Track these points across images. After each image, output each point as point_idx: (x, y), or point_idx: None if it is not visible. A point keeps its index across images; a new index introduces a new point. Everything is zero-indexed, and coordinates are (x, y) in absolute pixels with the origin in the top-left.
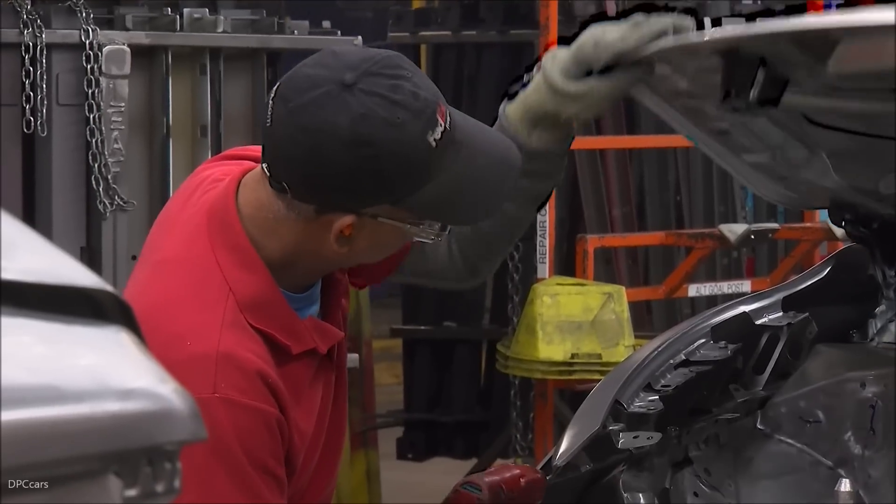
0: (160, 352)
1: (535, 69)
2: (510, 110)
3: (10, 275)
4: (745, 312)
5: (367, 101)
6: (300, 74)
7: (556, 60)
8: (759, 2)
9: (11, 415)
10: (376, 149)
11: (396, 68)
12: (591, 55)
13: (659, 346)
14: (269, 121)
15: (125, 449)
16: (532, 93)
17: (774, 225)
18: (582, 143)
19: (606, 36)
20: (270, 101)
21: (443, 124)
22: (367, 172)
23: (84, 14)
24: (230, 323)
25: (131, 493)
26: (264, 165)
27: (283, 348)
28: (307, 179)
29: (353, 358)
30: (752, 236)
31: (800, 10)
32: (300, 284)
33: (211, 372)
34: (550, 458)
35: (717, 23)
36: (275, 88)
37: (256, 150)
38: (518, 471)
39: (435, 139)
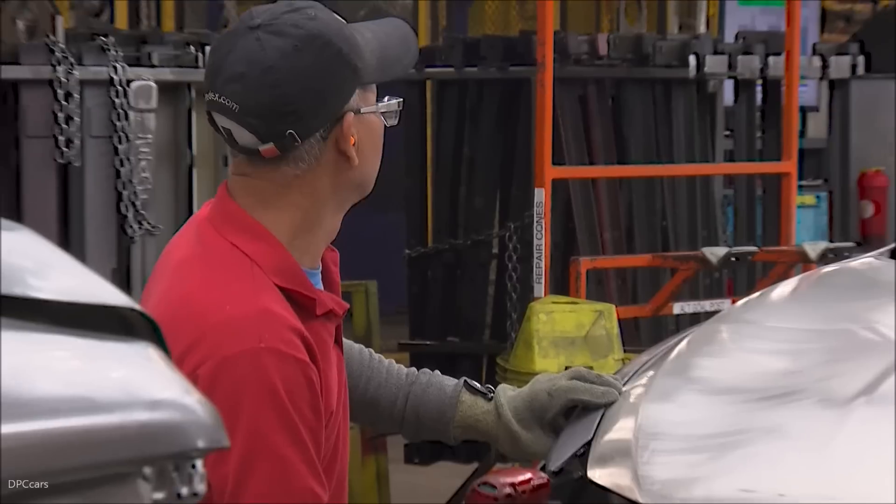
0: (200, 322)
1: (491, 389)
2: (461, 409)
3: (46, 294)
4: None
5: (278, 22)
6: (221, 58)
7: (513, 403)
8: (742, 40)
9: (48, 424)
10: (322, 36)
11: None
12: (545, 403)
13: (647, 360)
14: (235, 106)
15: (153, 455)
16: (483, 415)
17: (753, 248)
18: (575, 172)
19: (558, 383)
20: (216, 96)
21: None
22: (334, 60)
23: (114, 52)
24: (261, 286)
25: (159, 495)
26: (262, 149)
27: (308, 308)
28: (301, 106)
29: None
30: (733, 258)
31: (777, 42)
32: (311, 255)
33: (254, 326)
34: (545, 465)
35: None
36: (209, 94)
37: None
38: (529, 474)
39: (343, 18)
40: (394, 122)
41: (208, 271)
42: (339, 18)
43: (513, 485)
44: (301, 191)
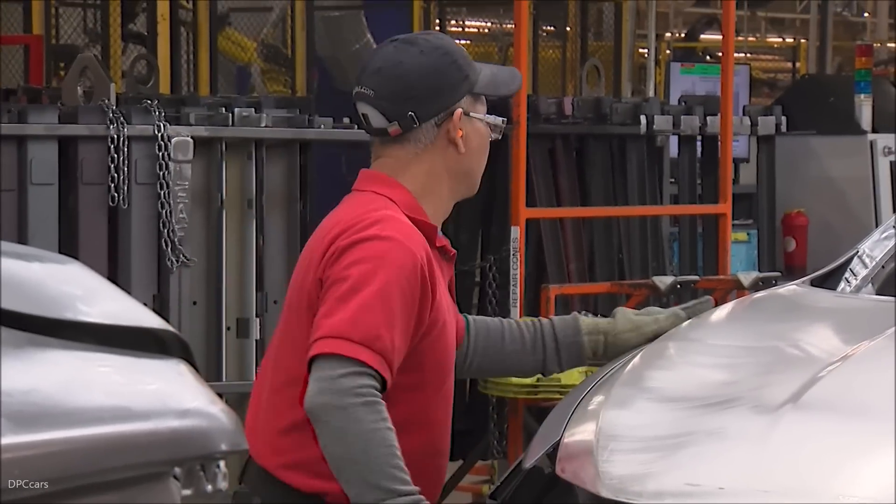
0: (346, 222)
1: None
2: (587, 322)
3: (93, 318)
4: None
5: (413, 37)
6: (367, 62)
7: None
8: (684, 103)
9: (93, 430)
10: (443, 48)
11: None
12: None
13: (607, 373)
14: (371, 92)
15: (183, 457)
16: (602, 321)
17: (695, 277)
18: (545, 213)
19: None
20: (360, 87)
21: None
22: (450, 65)
23: (157, 112)
24: (392, 209)
25: (187, 492)
26: (389, 129)
27: (430, 237)
28: (420, 94)
29: None
30: (678, 286)
31: (713, 105)
32: (435, 217)
33: (381, 223)
34: (520, 461)
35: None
36: (356, 88)
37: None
38: None
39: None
40: (498, 135)
41: (353, 205)
42: (461, 46)
43: None
44: (420, 167)
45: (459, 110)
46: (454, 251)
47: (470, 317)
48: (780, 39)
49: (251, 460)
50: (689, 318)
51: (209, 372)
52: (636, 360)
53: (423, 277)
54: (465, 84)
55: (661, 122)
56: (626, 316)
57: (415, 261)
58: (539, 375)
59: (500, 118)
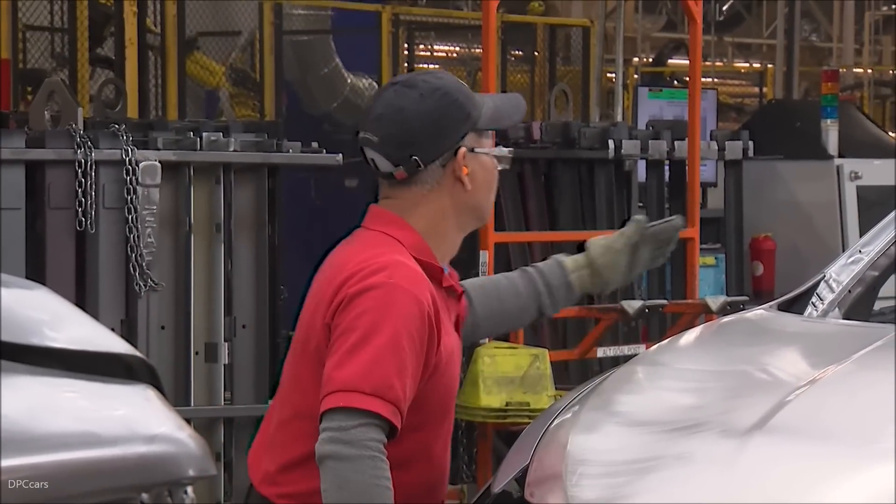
0: (354, 266)
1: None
2: (569, 261)
3: (59, 343)
4: None
5: (412, 79)
6: (371, 106)
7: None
8: (652, 128)
9: (60, 456)
10: (443, 89)
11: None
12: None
13: (575, 397)
14: (376, 138)
15: (150, 483)
16: (581, 256)
17: (663, 301)
18: (514, 237)
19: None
20: (365, 133)
21: None
22: (450, 106)
23: (125, 137)
24: (400, 252)
25: None
26: (395, 173)
27: (437, 278)
28: (423, 138)
29: None
30: (646, 310)
31: (681, 129)
32: (443, 254)
33: (388, 269)
34: (489, 486)
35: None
36: (361, 134)
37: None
38: None
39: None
40: (506, 165)
41: (362, 244)
42: (463, 83)
43: None
44: (428, 207)
45: (463, 149)
46: (462, 290)
47: (468, 286)
48: (747, 64)
49: (252, 489)
50: (650, 226)
51: (177, 397)
52: (605, 383)
53: (429, 324)
54: (467, 123)
55: (629, 146)
56: (595, 243)
57: (421, 308)
58: (508, 400)
59: (506, 149)
